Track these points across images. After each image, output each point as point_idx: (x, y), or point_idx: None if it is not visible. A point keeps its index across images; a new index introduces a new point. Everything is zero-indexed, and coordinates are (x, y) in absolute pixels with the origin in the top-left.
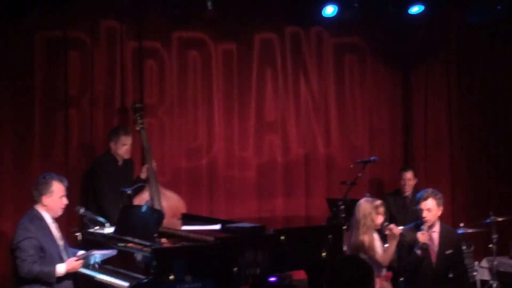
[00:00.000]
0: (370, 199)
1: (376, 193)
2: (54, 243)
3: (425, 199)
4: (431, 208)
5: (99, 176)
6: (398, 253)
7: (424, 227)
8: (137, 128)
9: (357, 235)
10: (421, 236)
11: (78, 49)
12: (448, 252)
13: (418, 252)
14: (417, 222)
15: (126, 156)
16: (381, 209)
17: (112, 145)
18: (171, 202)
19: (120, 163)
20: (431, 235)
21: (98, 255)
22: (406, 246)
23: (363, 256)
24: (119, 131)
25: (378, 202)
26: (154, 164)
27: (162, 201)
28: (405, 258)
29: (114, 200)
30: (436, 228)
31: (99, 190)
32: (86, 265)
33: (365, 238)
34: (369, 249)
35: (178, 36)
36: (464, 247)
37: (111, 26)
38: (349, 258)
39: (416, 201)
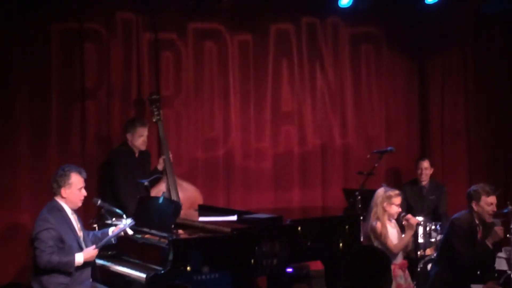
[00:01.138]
0: (386, 188)
1: (393, 183)
2: (74, 234)
3: (494, 193)
4: (496, 203)
5: (116, 168)
6: (457, 246)
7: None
8: (154, 120)
9: (369, 222)
10: (500, 231)
11: (94, 41)
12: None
13: (490, 245)
14: (469, 211)
15: (143, 148)
16: (395, 199)
17: (128, 136)
18: (188, 193)
19: (136, 154)
20: (480, 231)
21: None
22: (464, 235)
23: (375, 243)
24: (135, 122)
25: (392, 192)
26: (170, 156)
27: (179, 192)
28: (467, 250)
29: (130, 191)
30: None
31: (116, 182)
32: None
33: (377, 225)
34: (380, 236)
35: (194, 28)
36: None
37: (127, 18)
38: (366, 248)
39: (481, 194)
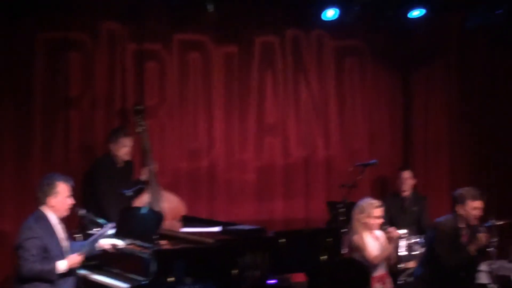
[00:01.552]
0: (365, 200)
1: (376, 196)
2: (58, 244)
3: (481, 198)
4: (481, 208)
5: (99, 178)
6: (439, 251)
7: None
8: (138, 130)
9: (350, 235)
10: (484, 238)
11: (79, 51)
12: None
13: (473, 251)
14: (454, 215)
15: (126, 158)
16: (373, 211)
17: (111, 146)
18: (171, 204)
19: (119, 164)
20: (466, 235)
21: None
22: (447, 240)
23: (355, 255)
24: (118, 132)
25: (370, 204)
26: (154, 166)
27: (162, 203)
28: (449, 254)
29: (113, 201)
30: None
31: (98, 192)
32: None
33: (354, 237)
34: (357, 248)
35: (179, 39)
36: None
37: (112, 28)
38: (346, 260)
39: (467, 197)
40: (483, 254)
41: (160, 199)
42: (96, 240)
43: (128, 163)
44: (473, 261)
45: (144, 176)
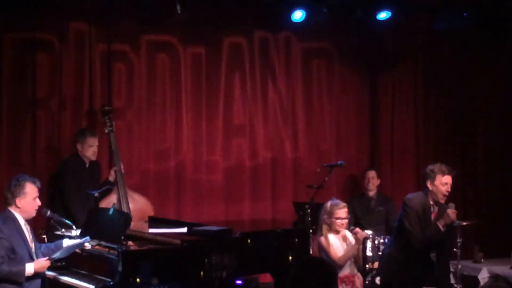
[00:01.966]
0: (331, 201)
1: (343, 197)
2: (26, 245)
3: (450, 173)
4: (451, 184)
5: (66, 178)
6: (407, 227)
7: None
8: (106, 131)
9: (317, 236)
10: (453, 214)
11: (47, 51)
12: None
13: (441, 227)
14: (425, 191)
15: (93, 158)
16: (338, 212)
17: (78, 147)
18: (138, 205)
19: (87, 165)
20: (435, 211)
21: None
22: (415, 216)
23: (322, 256)
24: (85, 132)
25: (334, 205)
26: (122, 167)
27: (130, 204)
28: (417, 231)
29: (80, 202)
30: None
31: (65, 192)
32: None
33: (321, 238)
34: (323, 250)
35: (147, 39)
36: None
37: (80, 29)
38: (312, 260)
39: (437, 172)
40: (450, 232)
41: (127, 200)
42: (70, 249)
43: (95, 164)
44: (442, 238)
45: (112, 177)
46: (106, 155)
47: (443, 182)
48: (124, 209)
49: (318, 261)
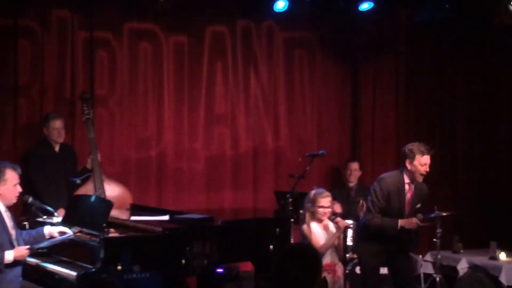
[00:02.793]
0: (315, 190)
1: (324, 186)
2: (6, 232)
3: (429, 153)
4: (429, 163)
5: (31, 164)
6: (371, 204)
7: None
8: (83, 119)
9: (300, 224)
10: (413, 224)
11: (28, 38)
12: (417, 206)
13: (399, 226)
14: (398, 174)
15: (59, 140)
16: (321, 200)
17: (45, 131)
18: (116, 193)
19: (56, 149)
20: (410, 189)
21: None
22: (381, 196)
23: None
24: (48, 116)
25: (318, 194)
26: (98, 155)
27: (107, 192)
28: (378, 211)
29: (48, 188)
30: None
31: (31, 179)
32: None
33: (304, 227)
34: (305, 238)
35: (130, 27)
36: None
37: (62, 16)
38: (297, 246)
39: (416, 152)
40: (406, 233)
41: (103, 188)
42: (52, 242)
43: (67, 148)
44: (396, 234)
45: (89, 164)
46: (87, 142)
47: (422, 163)
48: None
49: (302, 247)
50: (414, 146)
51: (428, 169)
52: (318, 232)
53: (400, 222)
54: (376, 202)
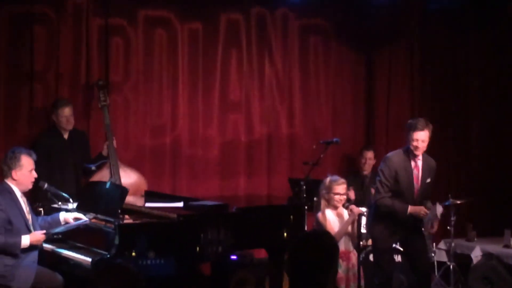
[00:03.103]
0: (330, 177)
1: (337, 174)
2: (23, 217)
3: (421, 129)
4: (424, 139)
5: (37, 150)
6: (379, 184)
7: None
8: (100, 106)
9: (316, 214)
10: (423, 211)
11: (44, 25)
12: (427, 180)
13: (408, 211)
14: (405, 151)
15: (68, 127)
16: (337, 187)
17: (53, 118)
18: (131, 180)
19: (65, 136)
20: (417, 165)
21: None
22: (388, 175)
23: None
24: (57, 103)
25: (333, 181)
26: (114, 142)
27: (122, 178)
28: (387, 191)
29: (52, 176)
30: (420, 156)
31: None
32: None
33: (319, 215)
34: (320, 225)
35: (145, 15)
36: None
37: (78, 2)
38: (313, 233)
39: (410, 128)
40: (415, 219)
41: (119, 174)
42: (68, 228)
43: (78, 134)
44: (404, 218)
45: (104, 151)
46: (101, 129)
47: (413, 138)
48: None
49: (319, 234)
50: (411, 121)
51: (419, 145)
52: (333, 220)
53: (410, 209)
54: (384, 182)
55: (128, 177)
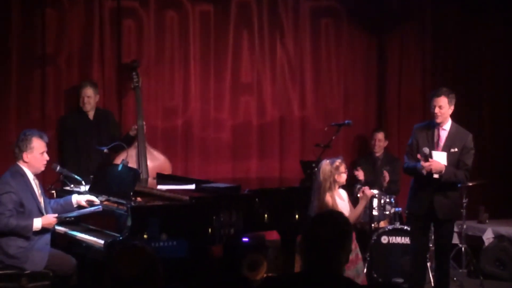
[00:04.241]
0: (329, 160)
1: (349, 156)
2: (35, 199)
3: (438, 96)
4: (442, 105)
5: (61, 131)
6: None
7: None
8: (132, 86)
9: (321, 198)
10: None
11: (56, 7)
12: (453, 150)
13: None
14: (430, 121)
15: (86, 109)
16: (342, 167)
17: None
18: (157, 162)
19: (90, 117)
20: (440, 134)
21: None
22: (411, 143)
23: None
24: (80, 84)
25: (337, 161)
26: (144, 124)
27: (148, 161)
28: (411, 158)
29: (79, 156)
30: (447, 126)
31: (62, 147)
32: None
33: (328, 199)
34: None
35: None
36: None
37: None
38: (328, 213)
39: (430, 96)
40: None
41: (146, 156)
42: (80, 213)
43: (103, 114)
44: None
45: (132, 132)
46: (131, 111)
47: (431, 104)
48: (143, 166)
49: (333, 214)
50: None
51: (436, 112)
52: (341, 203)
53: (425, 166)
54: (408, 151)
55: (154, 160)
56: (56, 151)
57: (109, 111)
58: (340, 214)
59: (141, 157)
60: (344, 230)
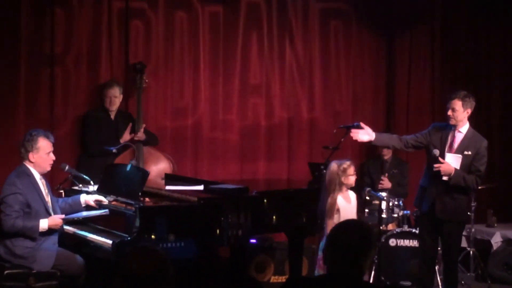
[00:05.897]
0: (337, 162)
1: (358, 158)
2: (42, 199)
3: (453, 98)
4: (456, 108)
5: (87, 124)
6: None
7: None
8: (137, 87)
9: (325, 199)
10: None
11: (64, 7)
12: (467, 152)
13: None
14: (447, 123)
15: (111, 108)
16: (350, 169)
17: (103, 97)
18: (158, 166)
19: (112, 116)
20: (455, 136)
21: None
22: (427, 138)
23: (335, 219)
24: (106, 82)
25: (345, 164)
26: (143, 126)
27: (150, 162)
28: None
29: (97, 154)
30: (464, 129)
31: (86, 139)
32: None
33: (330, 201)
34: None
35: None
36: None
37: None
38: (350, 222)
39: (449, 98)
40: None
41: (142, 159)
42: (87, 216)
43: (123, 115)
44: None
45: (137, 137)
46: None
47: (447, 107)
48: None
49: (356, 223)
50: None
51: (450, 114)
52: (345, 204)
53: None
54: (417, 134)
55: (156, 162)
56: (64, 151)
57: (129, 113)
58: (364, 223)
59: (139, 159)
60: (368, 234)
